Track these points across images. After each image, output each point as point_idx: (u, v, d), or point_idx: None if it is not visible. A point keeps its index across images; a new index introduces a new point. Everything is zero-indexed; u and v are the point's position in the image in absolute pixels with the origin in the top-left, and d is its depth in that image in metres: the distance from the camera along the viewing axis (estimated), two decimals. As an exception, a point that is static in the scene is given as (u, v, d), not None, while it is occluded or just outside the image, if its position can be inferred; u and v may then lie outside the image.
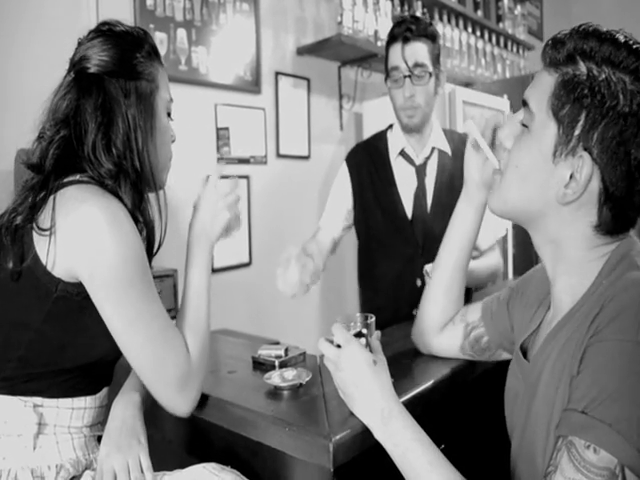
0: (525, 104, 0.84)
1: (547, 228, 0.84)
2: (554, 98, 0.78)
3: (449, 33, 3.61)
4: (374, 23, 2.98)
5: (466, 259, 1.15)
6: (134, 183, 1.00)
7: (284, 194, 2.95)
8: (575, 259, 0.82)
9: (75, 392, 1.00)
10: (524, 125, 0.84)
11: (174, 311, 2.07)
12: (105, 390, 1.08)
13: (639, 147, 0.74)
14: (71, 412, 0.99)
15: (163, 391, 0.97)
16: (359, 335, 0.91)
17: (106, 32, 1.01)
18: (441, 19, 3.54)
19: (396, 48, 1.67)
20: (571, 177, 0.77)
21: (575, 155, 0.76)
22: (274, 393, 1.03)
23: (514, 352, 0.97)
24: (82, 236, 0.89)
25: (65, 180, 0.95)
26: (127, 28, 1.04)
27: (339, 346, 0.89)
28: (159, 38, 2.30)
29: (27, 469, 0.93)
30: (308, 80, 3.03)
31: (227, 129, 2.61)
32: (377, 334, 0.94)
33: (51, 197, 0.92)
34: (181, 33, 2.37)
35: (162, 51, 2.30)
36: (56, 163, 0.96)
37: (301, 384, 1.03)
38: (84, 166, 0.97)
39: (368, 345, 0.91)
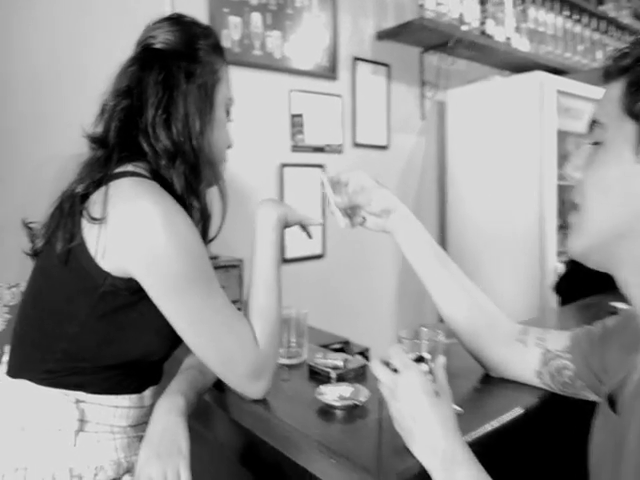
0: (593, 124, 0.76)
1: (637, 252, 0.71)
2: (625, 98, 0.70)
3: (542, 17, 3.34)
4: (459, 5, 2.79)
5: (437, 260, 1.08)
6: (193, 165, 0.97)
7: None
8: None
9: (119, 390, 0.96)
10: (596, 143, 0.75)
11: (239, 303, 2.02)
12: (152, 389, 1.03)
13: None
14: (114, 410, 0.95)
15: (234, 383, 0.96)
16: (420, 360, 0.79)
17: (175, 18, 1.03)
18: (534, 1, 3.28)
19: None
20: None
21: None
22: (325, 412, 0.92)
23: (601, 402, 0.81)
24: (135, 232, 0.85)
25: (118, 170, 0.92)
26: (196, 20, 1.05)
27: (396, 371, 0.77)
28: (233, 22, 2.24)
29: (65, 467, 0.89)
30: (388, 66, 2.89)
31: (301, 116, 2.54)
32: (442, 360, 0.81)
33: (103, 187, 0.89)
34: (255, 17, 2.31)
35: (236, 36, 2.25)
36: (118, 135, 0.96)
37: (356, 405, 0.92)
38: (140, 141, 0.95)
39: (431, 372, 0.78)
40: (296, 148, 2.54)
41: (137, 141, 0.95)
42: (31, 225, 1.01)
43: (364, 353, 2.06)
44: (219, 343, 0.92)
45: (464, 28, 2.82)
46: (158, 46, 0.99)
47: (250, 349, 0.94)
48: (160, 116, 0.95)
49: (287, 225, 1.05)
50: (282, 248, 1.06)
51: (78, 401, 0.91)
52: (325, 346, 1.96)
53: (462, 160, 3.08)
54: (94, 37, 1.91)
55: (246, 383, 0.95)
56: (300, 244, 2.59)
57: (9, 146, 1.78)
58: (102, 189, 0.88)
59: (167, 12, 1.98)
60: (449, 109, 3.12)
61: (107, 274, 0.87)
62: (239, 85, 2.33)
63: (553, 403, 0.99)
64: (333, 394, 0.95)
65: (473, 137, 3.01)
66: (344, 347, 1.98)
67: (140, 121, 0.95)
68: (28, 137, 1.80)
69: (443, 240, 3.28)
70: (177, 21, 1.03)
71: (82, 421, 0.91)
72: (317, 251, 2.67)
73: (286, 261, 2.53)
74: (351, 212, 1.11)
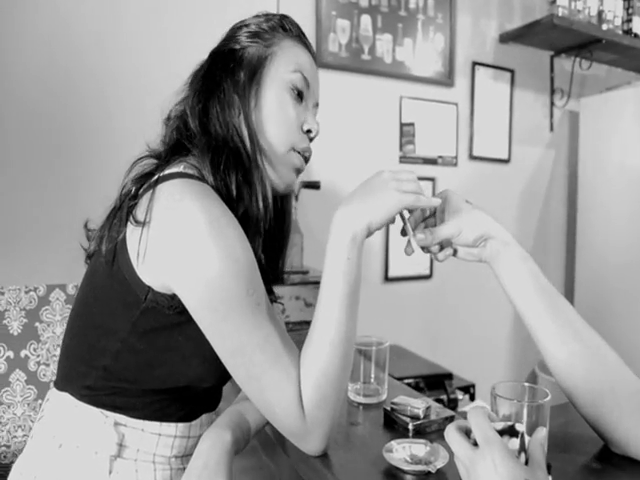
0: None
1: None
2: None
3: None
4: (597, 1, 2.48)
5: (542, 299, 0.83)
6: (235, 154, 0.84)
7: (476, 201, 2.53)
8: None
9: (164, 416, 0.85)
10: None
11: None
12: (205, 417, 0.92)
13: None
14: (158, 438, 0.85)
15: (282, 431, 0.79)
16: (511, 432, 0.57)
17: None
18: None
19: None
20: None
21: None
22: (393, 475, 0.73)
23: None
24: (176, 238, 0.74)
25: (168, 172, 0.82)
26: (265, 12, 0.96)
27: (476, 444, 0.57)
28: (341, 26, 2.12)
29: None
30: (512, 72, 2.66)
31: (412, 125, 2.36)
32: (542, 434, 0.59)
33: (150, 191, 0.79)
34: (365, 20, 2.18)
35: (343, 40, 2.13)
36: (169, 142, 0.91)
37: (430, 472, 0.72)
38: (180, 137, 0.89)
39: (523, 451, 0.57)
40: (405, 159, 2.37)
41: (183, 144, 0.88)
42: (91, 228, 0.95)
43: (469, 390, 1.83)
44: (258, 384, 0.77)
45: (604, 27, 2.50)
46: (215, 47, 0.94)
47: (292, 409, 0.76)
48: (196, 105, 0.87)
49: (371, 233, 0.82)
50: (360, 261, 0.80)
51: (117, 424, 0.82)
52: (424, 377, 1.77)
53: (597, 179, 2.73)
54: (193, 51, 1.88)
55: (292, 440, 0.80)
56: (406, 262, 2.41)
57: (84, 149, 1.78)
58: (150, 191, 0.79)
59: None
60: (583, 120, 2.79)
61: (148, 288, 0.78)
62: (345, 91, 2.25)
63: None
64: (404, 452, 0.76)
65: (611, 152, 2.66)
66: (445, 381, 1.76)
67: (182, 122, 0.90)
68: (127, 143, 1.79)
69: (570, 274, 2.94)
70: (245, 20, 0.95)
71: (121, 446, 0.82)
72: (424, 271, 2.49)
73: (389, 280, 2.38)
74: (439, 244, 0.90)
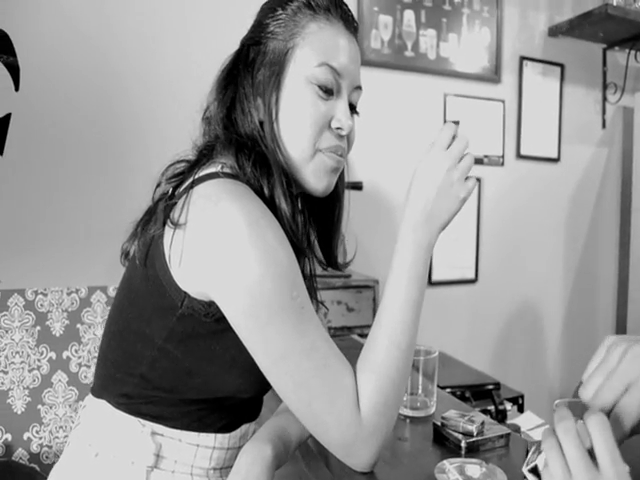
0: None
1: None
2: None
3: None
4: (657, -10, 2.35)
5: None
6: (260, 156, 0.80)
7: (523, 203, 2.53)
8: None
9: (202, 427, 0.82)
10: None
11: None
12: (245, 428, 0.88)
13: None
14: (196, 449, 0.81)
15: (329, 447, 0.75)
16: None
17: None
18: None
19: None
20: None
21: None
22: (444, 499, 0.68)
23: None
24: (213, 240, 0.71)
25: (205, 173, 0.79)
26: None
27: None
28: (383, 22, 2.07)
29: None
30: (562, 66, 2.55)
31: (457, 123, 2.28)
32: (626, 470, 0.50)
33: (186, 194, 0.76)
34: (408, 15, 2.12)
35: (386, 36, 2.08)
36: (201, 143, 0.87)
37: (486, 497, 0.67)
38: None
39: None
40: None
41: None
42: None
43: (517, 400, 1.74)
44: (306, 393, 0.72)
45: (662, 17, 2.37)
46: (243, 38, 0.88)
47: (346, 415, 0.72)
48: (216, 108, 0.84)
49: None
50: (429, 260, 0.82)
51: (154, 433, 0.79)
52: (470, 387, 1.69)
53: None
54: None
55: (341, 453, 0.75)
56: (450, 266, 2.34)
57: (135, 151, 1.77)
58: (186, 194, 0.76)
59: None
60: (638, 116, 2.66)
61: (185, 294, 0.74)
62: (387, 89, 2.20)
63: None
64: (457, 473, 0.70)
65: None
66: (493, 391, 1.69)
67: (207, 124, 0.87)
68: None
69: (623, 281, 2.80)
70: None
71: (158, 456, 0.79)
72: (469, 275, 2.41)
73: (432, 284, 2.31)
74: None
